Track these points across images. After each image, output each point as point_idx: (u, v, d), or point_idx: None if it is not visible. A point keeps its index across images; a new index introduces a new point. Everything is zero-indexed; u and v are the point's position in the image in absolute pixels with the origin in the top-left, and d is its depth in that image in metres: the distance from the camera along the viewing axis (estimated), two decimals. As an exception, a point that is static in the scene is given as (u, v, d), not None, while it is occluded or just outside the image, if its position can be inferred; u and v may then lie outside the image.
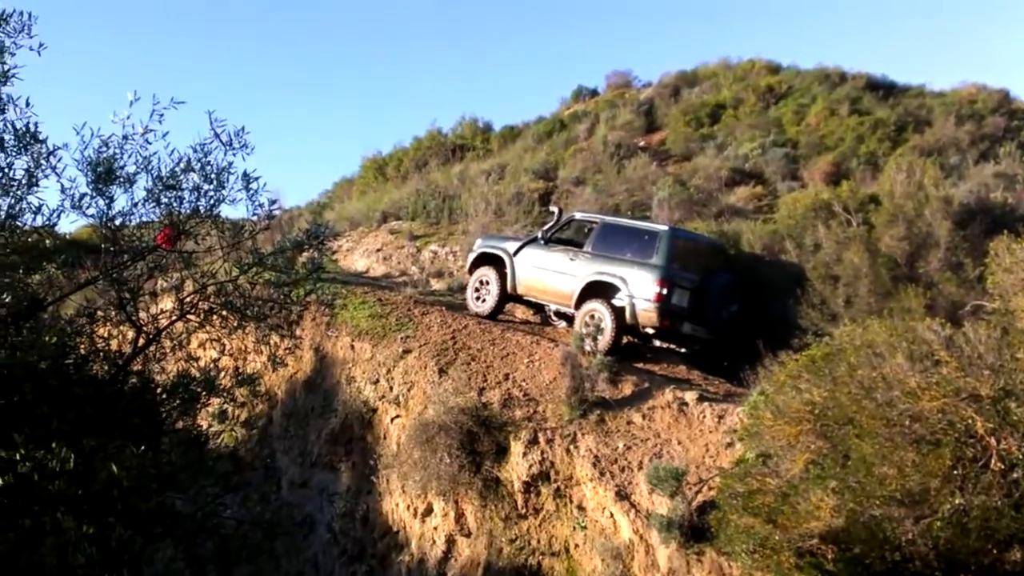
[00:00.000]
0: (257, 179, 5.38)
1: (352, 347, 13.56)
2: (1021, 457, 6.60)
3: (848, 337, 8.19)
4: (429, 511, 11.70)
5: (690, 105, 23.30)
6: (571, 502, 10.49)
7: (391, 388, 12.65)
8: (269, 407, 14.45)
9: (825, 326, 11.81)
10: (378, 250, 18.58)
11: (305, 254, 5.69)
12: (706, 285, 12.65)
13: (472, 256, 14.72)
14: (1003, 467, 6.63)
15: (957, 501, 6.73)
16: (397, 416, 12.44)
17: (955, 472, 6.75)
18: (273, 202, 5.67)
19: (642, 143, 21.99)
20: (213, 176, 5.15)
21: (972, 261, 11.69)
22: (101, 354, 5.06)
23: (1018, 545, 6.57)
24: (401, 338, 13.14)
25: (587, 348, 11.86)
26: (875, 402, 7.25)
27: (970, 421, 6.73)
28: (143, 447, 4.56)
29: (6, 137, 4.77)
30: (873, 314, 10.78)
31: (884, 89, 22.85)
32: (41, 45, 5.21)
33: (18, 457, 4.09)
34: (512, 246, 14.12)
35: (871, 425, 7.22)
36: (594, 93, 27.42)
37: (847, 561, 7.26)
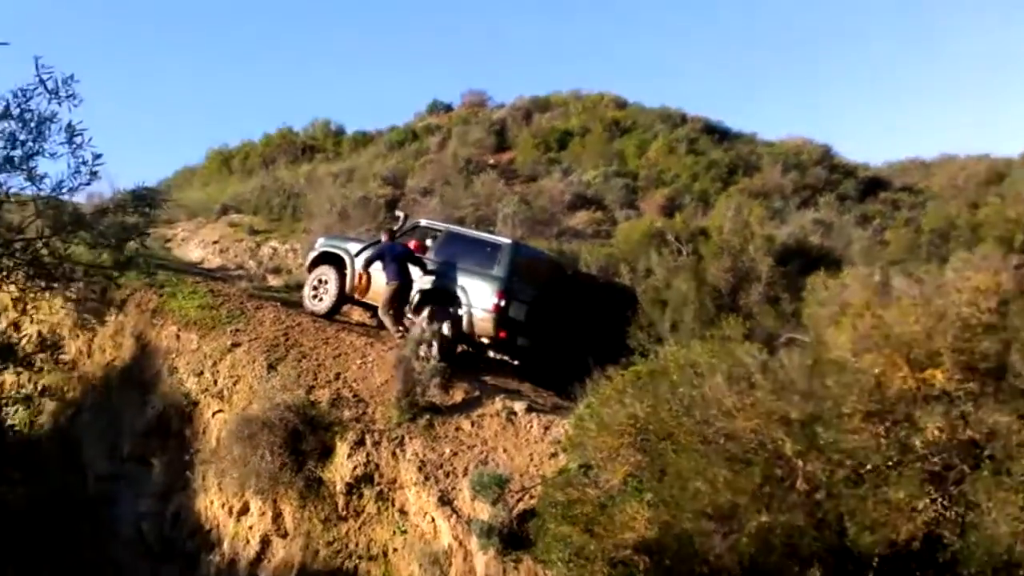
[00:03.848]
0: (82, 132, 5.03)
1: (178, 337, 12.97)
2: (824, 479, 7.00)
3: (672, 356, 8.50)
4: (245, 510, 11.31)
5: (540, 129, 23.94)
6: (393, 506, 10.39)
7: (215, 381, 12.18)
8: (81, 395, 13.61)
9: (651, 347, 12.26)
10: (215, 242, 17.93)
11: (130, 219, 5.36)
12: (543, 300, 12.88)
13: (312, 254, 14.41)
14: (808, 488, 7.02)
15: (763, 518, 7.05)
16: (219, 411, 11.99)
17: (763, 490, 7.08)
18: (97, 156, 5.32)
19: (491, 161, 22.31)
20: (33, 125, 4.77)
21: (789, 296, 12.45)
22: None
23: (819, 563, 6.95)
24: (231, 331, 12.70)
25: (421, 353, 11.83)
26: (693, 419, 7.55)
27: (780, 442, 7.10)
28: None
29: None
30: (696, 339, 11.28)
31: (720, 133, 24.30)
32: None
33: None
34: (354, 247, 13.92)
35: (688, 441, 7.51)
36: (448, 108, 27.67)
37: (659, 572, 7.50)
